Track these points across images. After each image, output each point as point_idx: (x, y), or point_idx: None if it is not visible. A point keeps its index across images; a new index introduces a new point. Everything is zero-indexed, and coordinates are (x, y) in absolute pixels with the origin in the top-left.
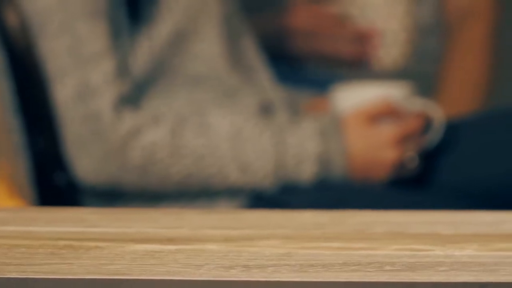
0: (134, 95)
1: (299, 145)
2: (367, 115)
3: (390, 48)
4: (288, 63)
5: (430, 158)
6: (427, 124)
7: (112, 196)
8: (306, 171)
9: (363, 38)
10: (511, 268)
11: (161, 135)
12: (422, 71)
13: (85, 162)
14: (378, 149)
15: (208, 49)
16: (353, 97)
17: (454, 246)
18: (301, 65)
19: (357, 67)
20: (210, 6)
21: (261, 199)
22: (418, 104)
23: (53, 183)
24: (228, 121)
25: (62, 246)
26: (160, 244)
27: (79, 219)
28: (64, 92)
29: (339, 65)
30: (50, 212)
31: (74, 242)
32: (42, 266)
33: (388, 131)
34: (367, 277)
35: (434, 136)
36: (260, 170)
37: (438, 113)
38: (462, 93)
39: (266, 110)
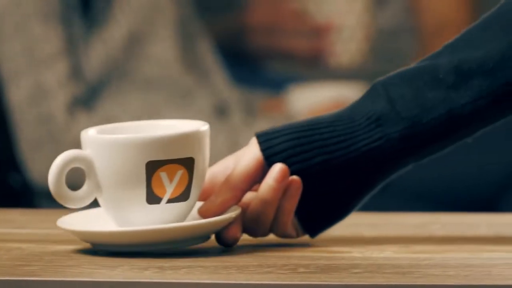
0: (87, 97)
1: None
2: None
3: (347, 44)
4: (246, 62)
5: None
6: None
7: None
8: None
9: (319, 33)
10: (425, 270)
11: None
12: (381, 70)
13: (39, 163)
14: None
15: (162, 51)
16: (308, 97)
17: (373, 248)
18: (259, 64)
19: (314, 62)
20: (164, 9)
21: None
22: None
23: (8, 184)
24: None
25: None
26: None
27: (8, 220)
28: (18, 94)
29: (296, 61)
30: None
31: None
32: None
33: None
34: (279, 280)
35: None
36: None
37: None
38: None
39: (221, 111)
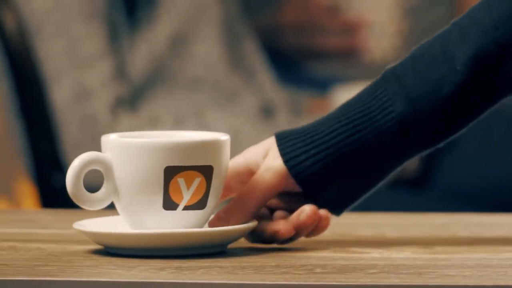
0: (131, 97)
1: None
2: None
3: (379, 40)
4: (281, 61)
5: (430, 159)
6: None
7: None
8: None
9: (352, 30)
10: (442, 271)
11: None
12: None
13: None
14: None
15: (207, 51)
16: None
17: (393, 248)
18: (294, 62)
19: (348, 59)
20: (209, 9)
21: None
22: None
23: (51, 185)
24: (226, 123)
25: (6, 247)
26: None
27: (31, 220)
28: (61, 94)
29: (331, 59)
30: (4, 213)
31: (18, 243)
32: None
33: None
34: (294, 280)
35: None
36: None
37: None
38: None
39: (266, 111)
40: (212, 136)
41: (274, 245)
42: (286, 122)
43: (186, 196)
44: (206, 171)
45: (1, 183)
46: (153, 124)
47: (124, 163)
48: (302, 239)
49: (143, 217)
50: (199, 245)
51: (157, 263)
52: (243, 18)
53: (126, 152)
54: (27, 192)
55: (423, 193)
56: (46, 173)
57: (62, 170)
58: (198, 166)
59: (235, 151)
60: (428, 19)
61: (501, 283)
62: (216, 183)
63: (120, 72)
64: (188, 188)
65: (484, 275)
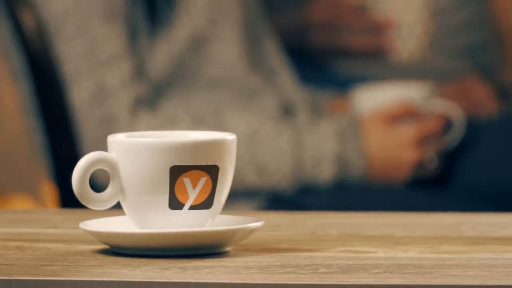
0: (151, 97)
1: (317, 146)
2: (387, 116)
3: (406, 40)
4: (308, 60)
5: (450, 159)
6: (447, 125)
7: None
8: (324, 172)
9: (379, 30)
10: (446, 270)
11: None
12: (444, 67)
13: None
14: (397, 150)
15: (227, 52)
16: (373, 98)
17: (399, 248)
18: (321, 61)
19: (375, 59)
20: (229, 9)
21: (279, 200)
22: (439, 105)
23: (70, 185)
24: (246, 123)
25: (13, 247)
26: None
27: (40, 220)
28: (80, 95)
29: (357, 58)
30: (15, 213)
31: (25, 243)
32: None
33: (407, 132)
34: (296, 280)
35: (454, 137)
36: (278, 172)
37: (458, 114)
38: None
39: (287, 111)
40: (218, 136)
41: (282, 245)
42: (306, 122)
43: (192, 196)
44: (212, 171)
45: (27, 183)
46: (173, 124)
47: (129, 163)
48: (310, 237)
49: (149, 217)
50: (205, 245)
51: (163, 262)
52: (264, 18)
53: (131, 152)
54: (49, 192)
55: (443, 192)
56: (66, 173)
57: None
58: (203, 165)
59: (254, 152)
60: (456, 20)
61: (504, 283)
62: (222, 182)
63: (140, 72)
64: (194, 187)
65: (488, 275)
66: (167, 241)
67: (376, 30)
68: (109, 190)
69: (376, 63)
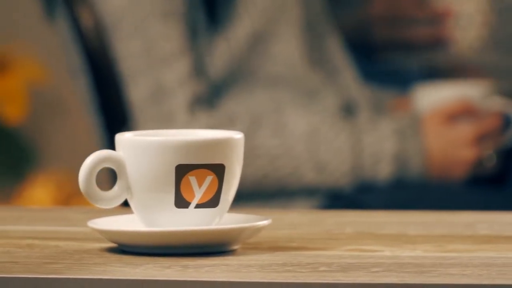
0: (210, 96)
1: (376, 145)
2: (445, 114)
3: (466, 31)
4: (370, 55)
5: (508, 157)
6: (505, 123)
7: None
8: (383, 170)
9: (438, 20)
10: (445, 269)
11: None
12: (506, 65)
13: None
14: (456, 148)
15: (287, 50)
16: (433, 97)
17: (406, 247)
18: (382, 55)
19: (435, 49)
20: (290, 8)
21: (338, 198)
22: (497, 103)
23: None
24: (305, 121)
25: (24, 245)
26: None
27: (60, 218)
28: (138, 93)
29: (416, 50)
30: (34, 211)
31: (36, 241)
32: None
33: (466, 130)
34: (293, 278)
35: None
36: (337, 170)
37: None
38: None
39: (348, 109)
40: (225, 134)
41: (292, 244)
42: (366, 121)
43: (198, 194)
44: (218, 170)
45: None
46: (231, 122)
47: (136, 161)
48: (324, 235)
49: (155, 215)
50: (211, 243)
51: (166, 261)
52: (326, 16)
53: (137, 150)
54: None
55: (502, 190)
56: None
57: None
58: (209, 164)
59: (312, 150)
60: None
61: (499, 282)
62: (228, 181)
63: (198, 71)
64: (199, 186)
65: (484, 274)
66: (173, 239)
67: (436, 20)
68: (115, 188)
69: (436, 55)
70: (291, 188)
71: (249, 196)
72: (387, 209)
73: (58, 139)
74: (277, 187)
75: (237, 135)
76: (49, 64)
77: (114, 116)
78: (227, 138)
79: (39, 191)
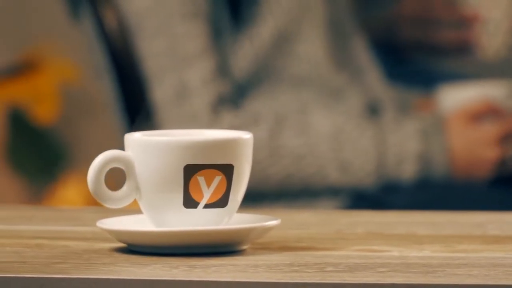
0: (234, 96)
1: (400, 145)
2: (469, 114)
3: (493, 37)
4: (397, 55)
5: None
6: None
7: None
8: (407, 170)
9: (466, 24)
10: (451, 270)
11: (260, 135)
12: None
13: None
14: (479, 148)
15: (311, 50)
16: (457, 96)
17: (414, 247)
18: (409, 57)
19: (461, 53)
20: (314, 8)
21: (362, 198)
22: None
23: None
24: (330, 121)
25: (33, 244)
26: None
27: (73, 218)
28: (162, 92)
29: (443, 53)
30: (48, 210)
31: (45, 240)
32: None
33: (489, 130)
34: (299, 278)
35: None
36: (361, 170)
37: None
38: None
39: (372, 110)
40: (233, 134)
41: (301, 244)
42: (390, 121)
43: (207, 195)
44: (227, 170)
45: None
46: (255, 122)
47: (144, 161)
48: (334, 235)
49: (164, 215)
50: (220, 243)
51: (174, 261)
52: (351, 16)
53: (146, 150)
54: None
55: None
56: None
57: None
58: (218, 164)
59: (336, 150)
60: None
61: (504, 282)
62: (237, 181)
63: (222, 70)
64: (208, 186)
65: (490, 275)
66: (181, 240)
67: (463, 24)
68: (124, 188)
69: (462, 59)
70: (315, 188)
71: (273, 196)
72: (410, 209)
73: (89, 139)
74: (301, 187)
75: (246, 135)
76: (80, 64)
77: (139, 116)
78: (235, 138)
79: (71, 191)
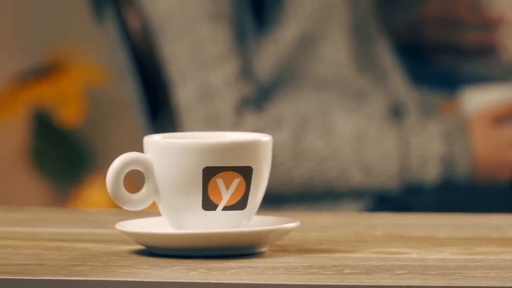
0: (257, 98)
1: (423, 147)
2: (492, 116)
3: None
4: (421, 57)
5: None
6: None
7: None
8: (430, 173)
9: (491, 26)
10: (469, 272)
11: (284, 138)
12: None
13: None
14: (502, 150)
15: (334, 52)
16: (480, 99)
17: (433, 249)
18: (432, 58)
19: (485, 56)
20: (337, 11)
21: (386, 200)
22: None
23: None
24: (353, 124)
25: (53, 247)
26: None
27: (92, 220)
28: (185, 94)
29: (467, 55)
30: (68, 212)
31: (65, 243)
32: (10, 267)
33: None
34: (316, 280)
35: None
36: (384, 172)
37: None
38: None
39: (396, 112)
40: (252, 137)
41: (320, 246)
42: (414, 123)
43: (225, 197)
44: (246, 172)
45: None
46: (278, 125)
47: (163, 164)
48: (353, 238)
49: (183, 217)
50: (238, 245)
51: (192, 263)
52: (374, 18)
53: (165, 153)
54: None
55: None
56: None
57: None
58: (237, 167)
59: (360, 152)
60: None
61: None
62: (256, 183)
63: (246, 73)
64: (227, 188)
65: (508, 277)
66: (200, 242)
67: (488, 26)
68: (143, 190)
69: (486, 61)
70: (338, 190)
71: (296, 199)
72: (434, 211)
73: (114, 140)
74: (325, 189)
75: (265, 138)
76: (105, 66)
77: (163, 118)
78: (254, 140)
79: (96, 193)
